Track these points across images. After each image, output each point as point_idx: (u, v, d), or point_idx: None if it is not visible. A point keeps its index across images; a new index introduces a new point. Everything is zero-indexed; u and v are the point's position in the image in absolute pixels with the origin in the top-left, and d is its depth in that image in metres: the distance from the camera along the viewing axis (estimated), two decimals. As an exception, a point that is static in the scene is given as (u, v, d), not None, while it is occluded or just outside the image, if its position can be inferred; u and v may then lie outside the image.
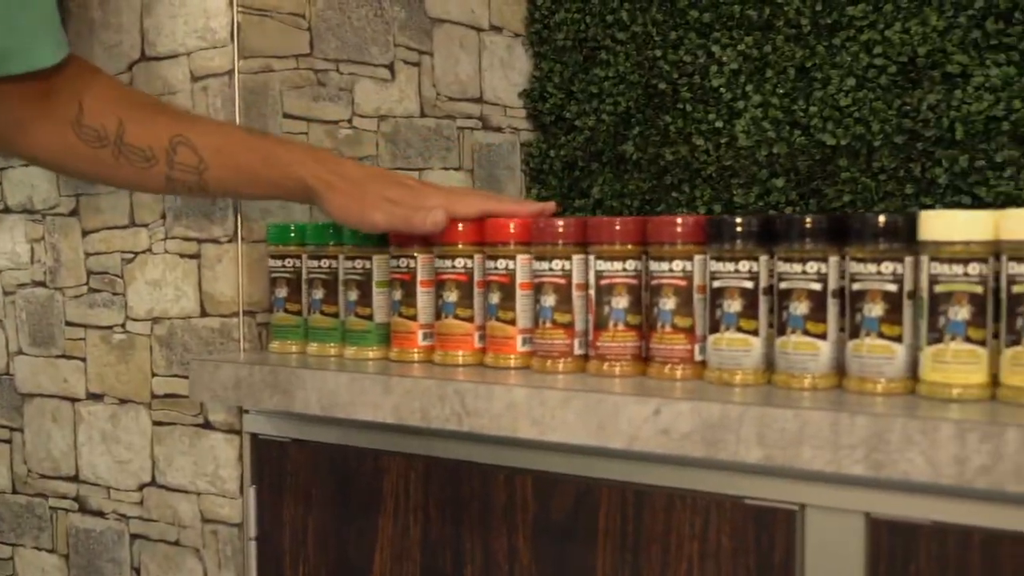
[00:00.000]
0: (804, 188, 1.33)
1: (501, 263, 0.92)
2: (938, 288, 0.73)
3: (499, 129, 1.49)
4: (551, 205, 0.97)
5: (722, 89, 1.38)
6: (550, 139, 1.52)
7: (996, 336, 0.72)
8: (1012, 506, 0.68)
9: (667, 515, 0.83)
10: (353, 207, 0.94)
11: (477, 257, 0.94)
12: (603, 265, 0.87)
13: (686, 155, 1.41)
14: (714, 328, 0.82)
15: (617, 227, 0.86)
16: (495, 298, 0.92)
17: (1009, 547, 0.69)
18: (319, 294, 1.04)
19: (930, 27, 1.24)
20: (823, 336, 0.78)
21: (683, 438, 0.75)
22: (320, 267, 1.04)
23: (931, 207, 1.25)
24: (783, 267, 0.79)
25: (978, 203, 1.22)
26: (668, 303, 0.84)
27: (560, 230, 0.89)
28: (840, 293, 0.78)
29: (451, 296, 0.94)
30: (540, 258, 0.89)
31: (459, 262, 0.94)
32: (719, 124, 1.38)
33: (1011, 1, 1.19)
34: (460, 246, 0.94)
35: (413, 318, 0.97)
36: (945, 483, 0.66)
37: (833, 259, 0.78)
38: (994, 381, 0.73)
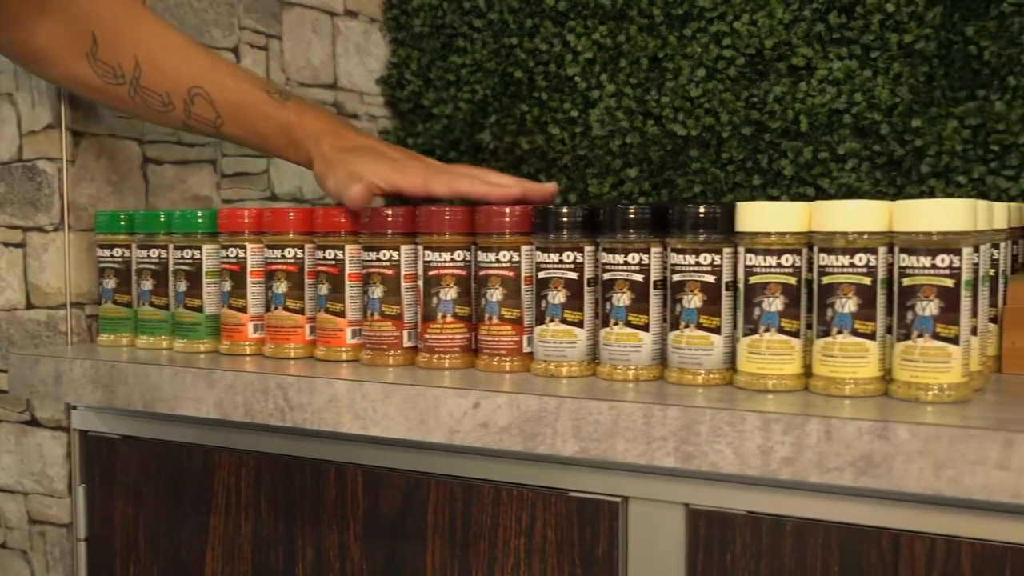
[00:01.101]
0: (656, 178, 1.33)
1: (330, 253, 0.89)
2: (753, 279, 0.72)
3: (355, 116, 1.46)
4: (547, 187, 0.89)
5: (577, 78, 1.37)
6: (408, 127, 1.50)
7: (810, 327, 0.72)
8: (818, 495, 0.68)
9: (495, 509, 0.82)
10: (322, 174, 0.92)
11: (307, 247, 0.91)
12: (431, 255, 0.85)
13: (542, 144, 1.40)
14: (540, 319, 0.81)
15: (446, 216, 0.84)
16: (324, 289, 0.89)
17: (818, 535, 0.69)
18: (148, 285, 1.00)
19: (776, 20, 1.25)
20: (645, 327, 0.77)
21: (502, 432, 0.74)
22: (150, 257, 1.00)
23: (777, 198, 1.26)
24: (606, 258, 0.78)
25: (822, 194, 1.23)
26: (495, 294, 0.83)
27: (388, 219, 0.86)
28: (662, 284, 0.78)
29: (280, 287, 0.91)
30: (369, 248, 0.87)
31: (289, 252, 0.91)
32: (574, 113, 1.37)
33: (852, -5, 1.21)
34: (291, 235, 0.91)
35: (243, 310, 0.94)
36: (751, 474, 0.66)
37: (655, 250, 0.77)
38: (808, 372, 0.73)
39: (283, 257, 0.91)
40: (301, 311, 0.91)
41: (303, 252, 0.91)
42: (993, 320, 0.81)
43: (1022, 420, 0.63)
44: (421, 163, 0.93)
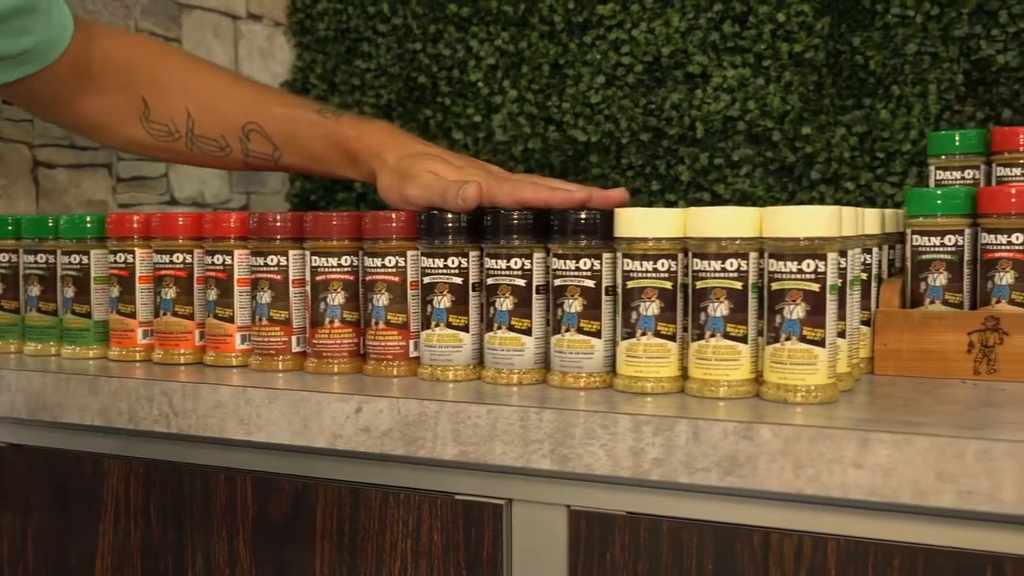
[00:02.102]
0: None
1: (219, 258, 0.88)
2: (630, 284, 0.74)
3: (259, 120, 1.45)
4: (614, 193, 0.81)
5: (480, 84, 1.38)
6: None
7: (686, 330, 0.74)
8: (693, 496, 0.70)
9: (382, 513, 0.82)
10: (395, 184, 0.90)
11: (196, 252, 0.91)
12: (319, 260, 0.85)
13: (446, 148, 1.40)
14: (426, 324, 0.81)
15: (333, 222, 0.84)
16: (213, 295, 0.89)
17: (693, 534, 0.70)
18: (36, 291, 0.98)
19: (673, 28, 1.27)
20: (528, 332, 0.78)
21: (383, 436, 0.74)
22: (37, 262, 0.98)
23: (675, 203, 1.29)
24: (490, 263, 0.79)
25: (716, 199, 1.26)
26: (382, 299, 0.83)
27: (276, 225, 0.86)
28: (545, 289, 0.79)
29: (169, 293, 0.91)
30: (257, 253, 0.87)
31: (178, 257, 0.91)
32: (477, 119, 1.38)
33: (746, 5, 1.23)
34: (180, 240, 0.91)
35: (132, 315, 0.93)
36: (624, 475, 0.67)
37: (538, 255, 0.78)
38: (684, 375, 0.74)
39: (172, 262, 0.91)
40: (190, 316, 0.91)
41: (192, 257, 0.91)
42: (866, 323, 0.83)
43: (881, 420, 0.65)
44: (484, 171, 0.91)
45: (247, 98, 0.98)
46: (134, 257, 0.93)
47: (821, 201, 1.20)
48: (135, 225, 0.93)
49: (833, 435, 0.62)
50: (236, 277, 0.88)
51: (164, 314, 0.91)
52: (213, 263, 0.89)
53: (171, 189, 1.28)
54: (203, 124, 0.96)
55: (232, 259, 0.88)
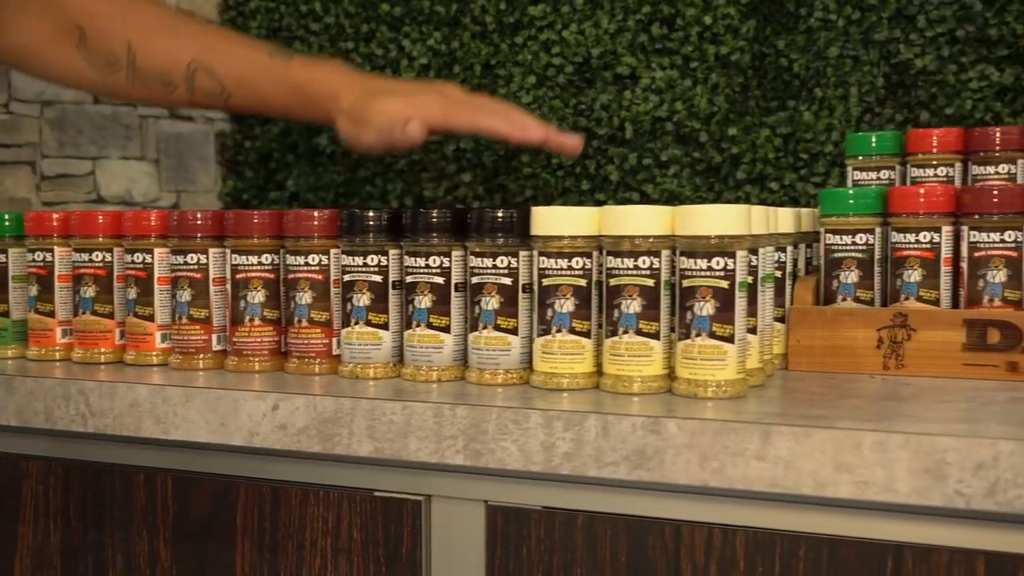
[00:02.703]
0: (490, 183, 1.36)
1: (138, 257, 0.88)
2: (546, 281, 0.75)
3: (190, 119, 1.44)
4: (572, 139, 0.85)
5: None
6: (245, 130, 1.49)
7: (601, 327, 0.75)
8: (607, 490, 0.71)
9: (302, 511, 0.82)
10: (352, 132, 0.88)
11: (116, 250, 0.90)
12: (239, 259, 0.85)
13: (378, 155, 1.40)
14: (346, 322, 0.82)
15: (254, 220, 0.85)
16: (133, 293, 0.88)
17: (606, 527, 0.71)
18: (-47, 290, 0.97)
19: (602, 29, 1.28)
20: (446, 329, 0.79)
21: (300, 433, 0.75)
22: (-45, 261, 0.97)
23: (604, 202, 1.30)
24: (408, 261, 0.80)
25: (645, 199, 1.27)
26: (304, 297, 0.84)
27: (197, 223, 0.86)
28: (463, 287, 0.80)
29: (89, 291, 0.90)
30: (177, 252, 0.87)
31: (97, 255, 0.90)
32: None
33: (673, 8, 1.25)
34: (100, 239, 0.90)
35: (51, 315, 0.92)
36: (535, 469, 0.68)
37: (456, 253, 0.79)
38: (600, 371, 0.76)
39: (91, 261, 0.90)
40: (110, 315, 0.90)
41: (112, 256, 0.90)
42: (781, 320, 0.85)
43: (785, 414, 0.67)
44: (440, 96, 0.89)
45: (193, 36, 0.95)
46: (53, 256, 0.92)
47: (747, 200, 1.22)
48: (54, 223, 0.92)
49: (736, 429, 0.63)
50: (156, 275, 0.88)
51: (83, 313, 0.91)
52: (133, 261, 0.88)
53: (98, 187, 1.27)
54: (146, 58, 0.93)
55: (152, 257, 0.88)
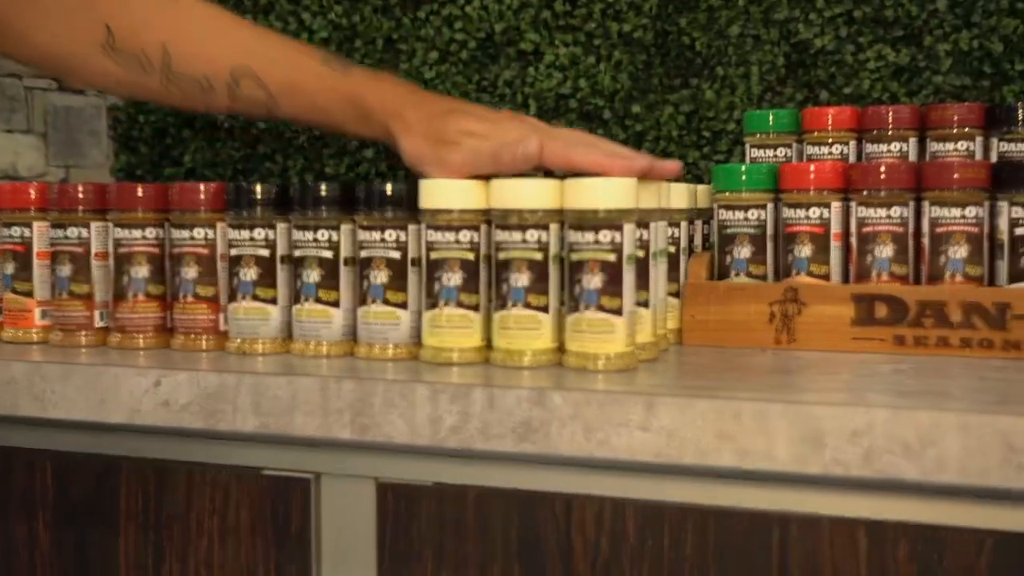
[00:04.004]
0: (394, 159, 1.35)
1: (16, 231, 0.87)
2: (433, 255, 0.75)
3: (81, 92, 1.42)
4: (672, 164, 0.78)
5: None
6: (139, 104, 1.47)
7: (490, 301, 0.76)
8: (499, 464, 0.71)
9: (188, 491, 0.81)
10: (428, 151, 0.80)
11: (-6, 224, 0.89)
12: (122, 233, 0.84)
13: (278, 124, 1.39)
14: (232, 297, 0.81)
15: (138, 193, 0.84)
16: (10, 268, 0.87)
17: (498, 503, 0.72)
18: None
19: (505, 5, 1.29)
20: (335, 304, 0.79)
21: (182, 409, 0.74)
22: None
23: (507, 181, 1.31)
24: (297, 235, 0.80)
25: (549, 174, 1.28)
26: (190, 272, 0.83)
27: (79, 196, 0.85)
28: (353, 261, 0.80)
29: (-35, 266, 0.88)
30: (57, 225, 0.85)
31: (-28, 229, 0.88)
32: None
33: (577, -17, 1.26)
34: (-24, 212, 0.88)
35: (-76, 291, 0.90)
36: (422, 443, 0.69)
37: (345, 227, 0.79)
38: (490, 345, 0.76)
39: (-34, 235, 0.88)
40: (-14, 292, 0.89)
41: (-12, 230, 0.88)
42: (675, 295, 0.87)
43: (671, 386, 0.68)
44: (524, 124, 0.83)
45: (239, 38, 0.89)
46: (-75, 229, 0.90)
47: (649, 179, 1.24)
48: (-73, 196, 0.90)
49: (620, 399, 0.64)
50: (35, 250, 0.86)
51: (-42, 289, 0.89)
52: (11, 236, 0.87)
53: (-19, 161, 1.25)
54: (183, 61, 0.86)
55: (31, 231, 0.86)
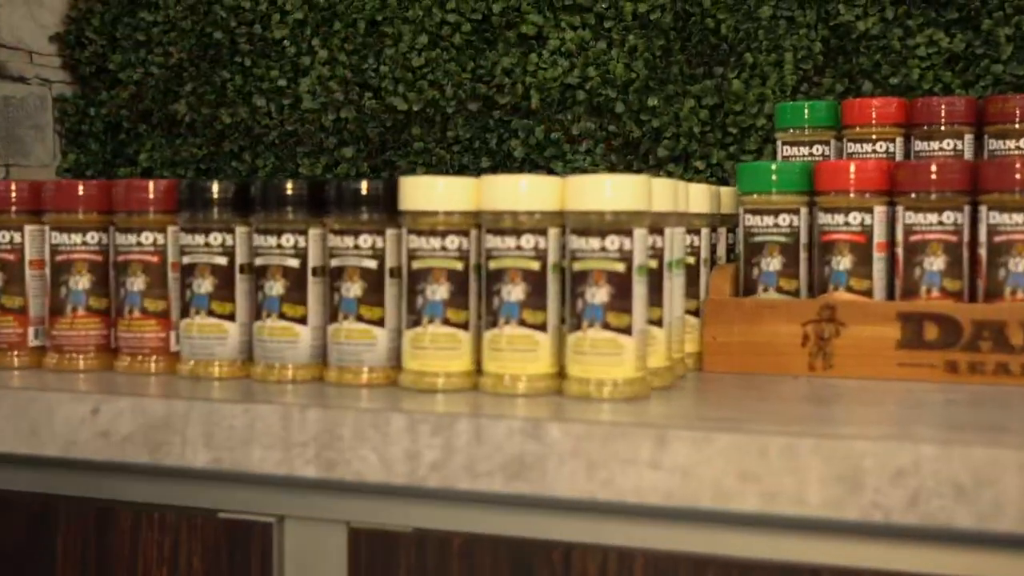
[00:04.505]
0: (376, 159, 1.38)
1: (-61, 235, 0.86)
2: (416, 264, 0.75)
3: (23, 79, 1.45)
4: None
5: (285, 42, 1.42)
6: (90, 94, 1.51)
7: (480, 318, 0.75)
8: (488, 507, 0.71)
9: (134, 536, 0.81)
10: None
11: (-87, 227, 0.89)
12: (59, 238, 0.84)
13: (246, 118, 1.44)
14: (185, 312, 0.81)
15: (79, 192, 0.84)
16: (-67, 278, 0.87)
17: (487, 551, 0.72)
18: None
19: (506, -18, 1.30)
20: (303, 320, 0.79)
21: (124, 441, 0.74)
22: None
23: (506, 182, 1.32)
24: (259, 240, 0.80)
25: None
26: (137, 283, 0.83)
27: (11, 195, 0.86)
28: (322, 271, 0.79)
29: None
30: (-16, 228, 0.85)
31: None
32: (282, 83, 1.42)
33: (586, -42, 1.27)
34: None
35: None
36: (398, 482, 0.68)
37: (314, 231, 0.79)
38: (479, 369, 0.76)
39: None
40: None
41: (-92, 234, 0.88)
42: (694, 313, 0.86)
43: (688, 417, 0.67)
44: None
45: None
46: None
47: (668, 181, 1.25)
48: None
49: (628, 432, 0.64)
50: (-40, 257, 0.86)
51: None
52: (-68, 240, 0.87)
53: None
54: None
55: (-44, 236, 0.86)
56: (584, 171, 1.28)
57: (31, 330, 0.86)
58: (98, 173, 1.49)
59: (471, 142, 1.33)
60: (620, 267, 0.71)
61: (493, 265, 0.73)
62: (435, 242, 0.75)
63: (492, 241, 0.73)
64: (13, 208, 0.86)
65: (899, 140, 1.00)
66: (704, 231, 0.88)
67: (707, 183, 1.22)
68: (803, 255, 0.88)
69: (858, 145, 1.01)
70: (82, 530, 0.82)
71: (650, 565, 0.69)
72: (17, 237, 0.86)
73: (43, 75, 1.47)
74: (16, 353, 0.86)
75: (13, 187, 0.86)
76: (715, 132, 1.24)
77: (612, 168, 1.27)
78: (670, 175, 1.25)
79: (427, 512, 0.73)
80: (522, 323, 0.73)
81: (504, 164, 1.32)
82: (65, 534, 0.83)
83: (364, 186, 0.77)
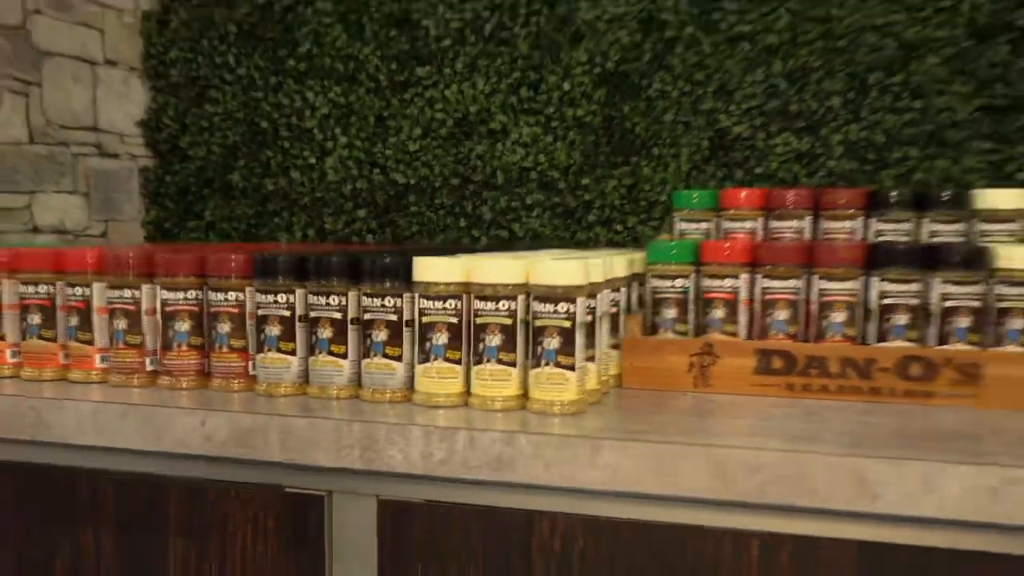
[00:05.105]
0: (382, 219, 1.44)
1: (79, 290, 0.94)
2: (425, 319, 0.84)
3: (116, 156, 1.48)
4: None
5: (315, 130, 1.45)
6: (166, 166, 1.53)
7: (470, 356, 0.84)
8: (475, 488, 0.80)
9: (223, 504, 0.89)
10: None
11: (58, 284, 0.96)
12: (167, 294, 0.91)
13: (285, 186, 1.47)
14: (260, 348, 0.90)
15: (180, 261, 0.91)
16: (74, 320, 0.94)
17: (473, 518, 0.81)
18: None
19: (479, 90, 1.38)
20: (344, 356, 0.87)
21: (223, 443, 0.82)
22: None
23: (479, 239, 1.40)
24: (312, 299, 0.88)
25: (513, 236, 1.37)
26: (225, 327, 0.91)
27: (131, 262, 0.93)
28: (358, 321, 0.88)
29: (35, 319, 0.96)
30: (113, 287, 0.93)
31: (41, 288, 0.96)
32: (312, 160, 1.45)
33: (538, 75, 1.35)
34: (43, 273, 0.96)
35: (1, 338, 0.97)
36: (417, 472, 0.77)
37: (352, 293, 0.87)
38: (469, 391, 0.85)
39: (36, 293, 0.95)
40: (54, 339, 0.96)
41: (54, 289, 0.96)
42: (616, 347, 0.96)
43: (613, 429, 0.77)
44: None
45: None
46: (1, 287, 0.97)
47: (597, 240, 1.33)
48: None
49: (573, 442, 0.73)
50: (95, 306, 0.94)
51: (31, 337, 0.96)
52: (74, 294, 0.94)
53: (33, 218, 1.31)
54: None
55: (91, 291, 0.93)
56: (535, 231, 1.36)
57: (147, 359, 0.93)
58: (173, 225, 1.53)
59: (452, 208, 1.39)
60: (567, 323, 0.81)
61: (479, 320, 0.83)
62: (438, 304, 0.83)
63: (478, 304, 0.83)
64: (131, 272, 0.92)
65: (760, 219, 1.06)
66: (623, 289, 0.97)
67: (625, 243, 1.32)
68: (691, 307, 0.96)
69: (732, 222, 1.07)
70: (190, 501, 0.90)
71: (589, 528, 0.78)
72: (136, 293, 0.92)
73: (131, 151, 1.50)
74: (136, 376, 0.93)
75: (131, 256, 0.93)
76: (630, 204, 1.32)
77: (555, 229, 1.35)
78: (597, 235, 1.34)
79: (435, 490, 0.81)
80: (499, 361, 0.82)
81: (476, 224, 1.39)
82: (176, 505, 0.91)
83: (388, 262, 0.86)
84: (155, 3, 1.51)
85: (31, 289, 0.96)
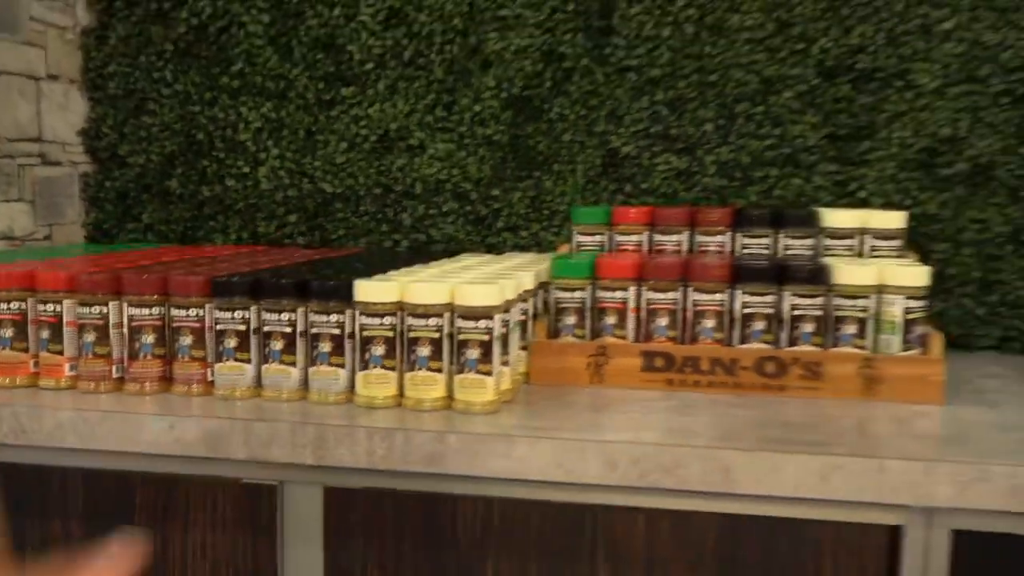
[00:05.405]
0: (312, 223, 1.51)
1: (50, 307, 1.01)
2: (365, 333, 0.94)
3: (58, 163, 1.51)
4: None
5: (248, 142, 1.51)
6: (105, 172, 1.56)
7: (404, 364, 0.95)
8: (411, 478, 0.90)
9: (189, 498, 0.97)
10: None
11: (30, 300, 1.02)
12: (134, 311, 0.99)
13: (220, 193, 1.52)
14: (219, 358, 0.98)
15: (144, 281, 0.99)
16: (45, 334, 1.01)
17: (408, 502, 0.91)
18: None
19: (399, 110, 1.46)
20: (294, 364, 0.97)
21: (190, 444, 0.91)
22: None
23: (399, 243, 1.49)
24: (266, 315, 0.97)
25: (430, 240, 1.47)
26: (185, 340, 0.99)
27: (98, 282, 0.99)
28: (306, 335, 0.97)
29: (7, 332, 1.02)
30: (83, 304, 1.00)
31: (14, 305, 1.02)
32: (246, 170, 1.51)
33: (452, 97, 1.44)
34: (14, 291, 1.02)
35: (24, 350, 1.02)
36: (362, 467, 0.87)
37: (300, 310, 0.96)
38: (401, 394, 0.95)
39: (8, 308, 1.01)
40: (25, 350, 1.02)
41: (26, 305, 1.02)
42: (525, 349, 1.07)
43: (525, 427, 0.89)
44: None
45: None
46: (-24, 303, 1.02)
47: (503, 244, 1.44)
48: (-23, 278, 1.02)
49: (489, 439, 0.85)
50: (65, 321, 1.00)
51: (2, 348, 1.01)
52: (45, 310, 1.00)
53: (-15, 227, 1.34)
54: None
55: (62, 307, 1.00)
56: (450, 235, 1.46)
57: (113, 367, 1.00)
58: (112, 227, 1.56)
59: (375, 214, 1.47)
60: (485, 337, 0.92)
61: (411, 334, 0.93)
62: (376, 320, 0.93)
63: (411, 320, 0.92)
64: (99, 292, 0.98)
65: (647, 233, 1.18)
66: (531, 300, 1.08)
67: (529, 247, 1.43)
68: (588, 315, 1.07)
69: (622, 236, 1.18)
70: (154, 495, 0.98)
71: (505, 507, 0.89)
72: (104, 309, 0.98)
73: (72, 159, 1.52)
74: (103, 382, 0.99)
75: (98, 276, 0.99)
76: (534, 213, 1.42)
77: (468, 234, 1.45)
78: (505, 240, 1.43)
79: (376, 480, 0.91)
80: (429, 368, 0.92)
81: (397, 229, 1.47)
82: (141, 500, 0.98)
83: (332, 285, 0.95)
84: (94, 20, 1.54)
85: (3, 306, 1.02)
